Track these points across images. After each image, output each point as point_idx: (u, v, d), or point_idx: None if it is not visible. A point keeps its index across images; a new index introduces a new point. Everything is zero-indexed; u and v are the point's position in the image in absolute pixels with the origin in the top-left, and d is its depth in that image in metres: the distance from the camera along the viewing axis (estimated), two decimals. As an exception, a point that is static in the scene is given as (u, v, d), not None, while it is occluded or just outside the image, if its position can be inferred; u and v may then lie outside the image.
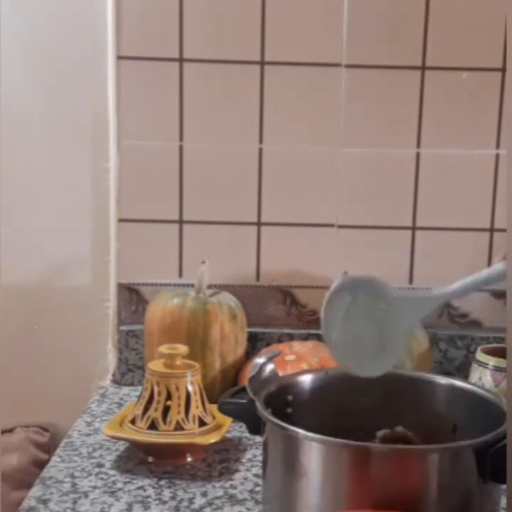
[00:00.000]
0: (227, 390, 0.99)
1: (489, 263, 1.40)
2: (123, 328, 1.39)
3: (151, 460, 1.08)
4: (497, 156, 1.37)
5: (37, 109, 1.35)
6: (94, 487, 1.01)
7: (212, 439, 1.08)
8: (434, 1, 1.33)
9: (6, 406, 1.34)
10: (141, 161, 1.36)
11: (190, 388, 1.10)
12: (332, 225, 1.39)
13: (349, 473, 0.82)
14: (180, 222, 1.38)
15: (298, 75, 1.34)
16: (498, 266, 0.88)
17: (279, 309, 1.40)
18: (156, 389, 1.09)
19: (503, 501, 0.86)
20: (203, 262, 1.31)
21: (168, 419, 1.08)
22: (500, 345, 1.28)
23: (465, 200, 1.38)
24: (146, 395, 1.10)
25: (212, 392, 1.18)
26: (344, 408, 0.99)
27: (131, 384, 1.39)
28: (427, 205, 1.38)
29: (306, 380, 1.00)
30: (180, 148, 1.36)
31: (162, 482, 1.03)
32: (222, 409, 0.96)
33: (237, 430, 1.17)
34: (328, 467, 0.82)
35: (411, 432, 0.95)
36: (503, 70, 1.34)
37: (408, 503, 0.79)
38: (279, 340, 1.37)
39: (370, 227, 1.39)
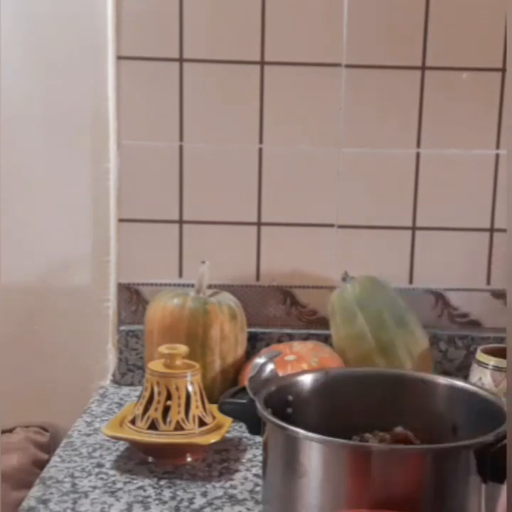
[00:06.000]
0: (227, 390, 0.99)
1: (489, 263, 1.40)
2: (123, 328, 1.39)
3: (151, 460, 1.08)
4: (497, 156, 1.37)
5: (37, 109, 1.35)
6: (94, 487, 1.01)
7: (212, 439, 1.08)
8: (434, 1, 1.33)
9: (6, 406, 1.34)
10: (141, 161, 1.36)
11: (190, 388, 1.10)
12: (332, 225, 1.38)
13: (349, 473, 0.82)
14: (180, 222, 1.38)
15: (298, 75, 1.34)
16: None
17: (279, 309, 1.40)
18: (156, 389, 1.09)
19: (504, 501, 0.86)
20: (203, 262, 1.31)
21: (168, 419, 1.08)
22: (500, 345, 1.28)
23: (465, 200, 1.38)
24: (146, 395, 1.10)
25: (212, 392, 1.18)
26: (344, 408, 0.99)
27: (131, 384, 1.39)
28: (427, 205, 1.38)
29: (306, 380, 1.00)
30: (180, 148, 1.36)
31: (162, 482, 1.03)
32: (222, 409, 0.96)
33: (237, 430, 1.17)
34: (328, 467, 0.82)
35: (411, 432, 0.95)
36: (503, 70, 1.34)
37: (408, 503, 0.79)
38: (279, 340, 1.37)
39: (370, 227, 1.39)
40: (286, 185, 1.38)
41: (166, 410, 1.08)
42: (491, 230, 1.39)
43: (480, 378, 1.22)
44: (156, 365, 1.11)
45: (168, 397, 1.08)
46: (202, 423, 1.09)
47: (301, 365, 1.21)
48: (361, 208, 1.38)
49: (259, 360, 0.96)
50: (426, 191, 1.38)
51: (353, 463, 0.81)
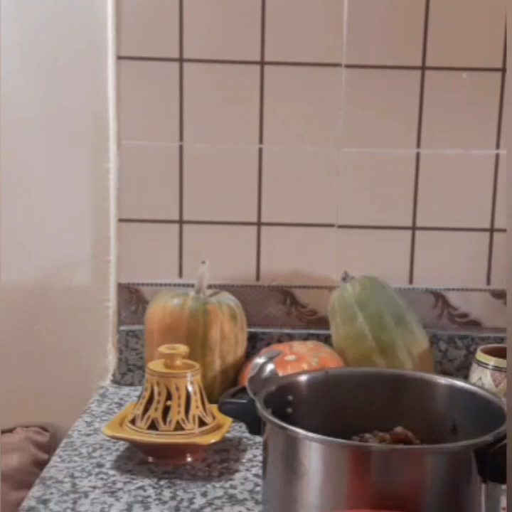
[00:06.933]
0: (227, 390, 0.99)
1: (489, 263, 1.40)
2: (123, 328, 1.39)
3: (151, 460, 1.08)
4: (497, 156, 1.37)
5: (37, 109, 1.35)
6: (94, 487, 1.01)
7: (212, 439, 1.08)
8: (434, 1, 1.33)
9: (6, 406, 1.34)
10: (141, 161, 1.36)
11: (190, 388, 1.10)
12: (332, 225, 1.39)
13: (349, 473, 0.82)
14: (180, 222, 1.38)
15: (298, 75, 1.34)
16: None
17: (279, 309, 1.40)
18: (156, 389, 1.09)
19: (503, 501, 0.86)
20: (203, 262, 1.31)
21: (168, 419, 1.08)
22: (500, 345, 1.28)
23: (465, 200, 1.38)
24: (146, 395, 1.10)
25: (212, 392, 1.18)
26: (344, 408, 0.99)
27: (131, 384, 1.39)
28: (427, 205, 1.38)
29: (306, 380, 1.00)
30: (180, 148, 1.36)
31: (162, 482, 1.03)
32: (222, 409, 0.95)
33: (237, 430, 1.17)
34: (328, 467, 0.82)
35: (411, 432, 0.95)
36: (503, 70, 1.34)
37: (408, 503, 0.79)
38: (279, 340, 1.37)
39: (370, 227, 1.39)
40: (286, 185, 1.38)
41: (166, 410, 1.08)
42: (491, 230, 1.39)
43: (480, 378, 1.22)
44: (156, 365, 1.11)
45: (168, 397, 1.08)
46: (202, 423, 1.09)
47: (301, 365, 1.21)
48: (361, 208, 1.38)
49: (259, 360, 0.96)
50: (426, 191, 1.38)
51: (353, 463, 0.81)
